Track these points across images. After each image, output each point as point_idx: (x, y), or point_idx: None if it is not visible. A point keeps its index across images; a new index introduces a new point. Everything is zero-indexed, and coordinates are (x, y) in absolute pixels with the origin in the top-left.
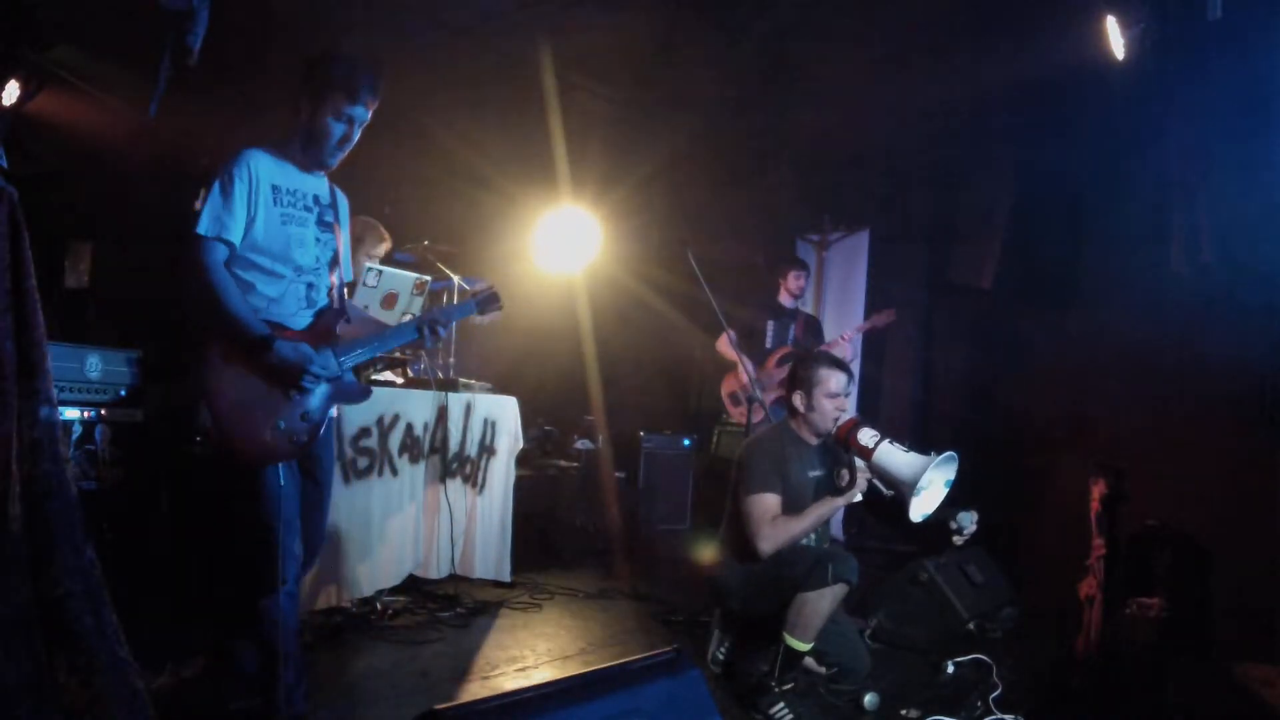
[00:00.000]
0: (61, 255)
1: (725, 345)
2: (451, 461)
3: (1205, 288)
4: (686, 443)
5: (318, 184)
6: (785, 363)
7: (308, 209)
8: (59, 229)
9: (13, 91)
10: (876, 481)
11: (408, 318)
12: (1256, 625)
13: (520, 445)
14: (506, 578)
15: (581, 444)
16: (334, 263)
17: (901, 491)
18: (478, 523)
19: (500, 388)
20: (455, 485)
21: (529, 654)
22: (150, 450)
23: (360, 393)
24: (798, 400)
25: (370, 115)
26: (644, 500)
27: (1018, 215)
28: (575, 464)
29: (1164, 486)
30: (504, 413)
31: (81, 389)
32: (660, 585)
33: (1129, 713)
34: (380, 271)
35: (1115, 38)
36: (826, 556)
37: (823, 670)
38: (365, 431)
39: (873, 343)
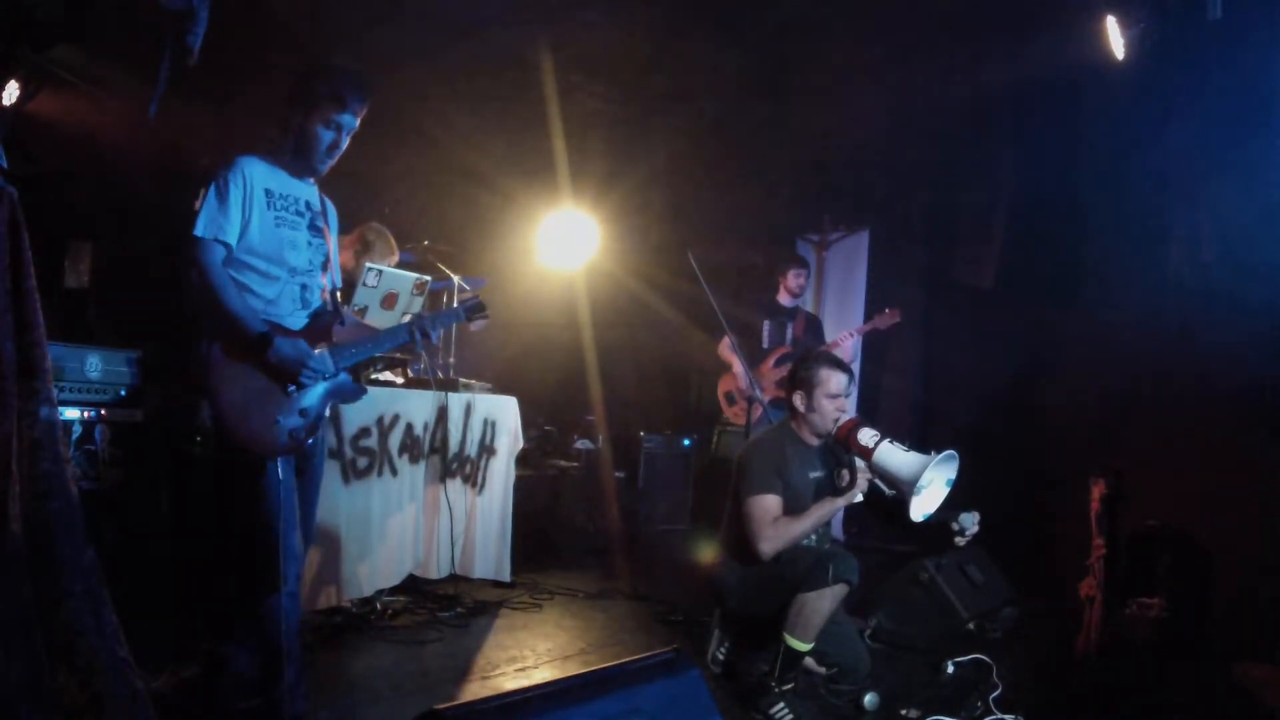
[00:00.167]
0: (61, 255)
1: (726, 348)
2: (451, 461)
3: (1205, 288)
4: (686, 443)
5: (308, 191)
6: (783, 363)
7: (299, 214)
8: (59, 229)
9: (13, 91)
10: (878, 481)
11: (408, 318)
12: (1256, 625)
13: (520, 445)
14: (506, 578)
15: (581, 444)
16: (325, 266)
17: (902, 491)
18: (478, 523)
19: (500, 388)
20: (455, 485)
21: (529, 654)
22: (150, 450)
23: (355, 391)
24: (798, 401)
25: (358, 123)
26: (644, 500)
27: (1018, 215)
28: (575, 464)
29: (1164, 486)
30: (504, 413)
31: (81, 389)
32: (660, 585)
33: (1129, 713)
34: (380, 272)
35: (1115, 38)
36: (827, 556)
37: (823, 670)
38: (365, 431)
39: (873, 343)
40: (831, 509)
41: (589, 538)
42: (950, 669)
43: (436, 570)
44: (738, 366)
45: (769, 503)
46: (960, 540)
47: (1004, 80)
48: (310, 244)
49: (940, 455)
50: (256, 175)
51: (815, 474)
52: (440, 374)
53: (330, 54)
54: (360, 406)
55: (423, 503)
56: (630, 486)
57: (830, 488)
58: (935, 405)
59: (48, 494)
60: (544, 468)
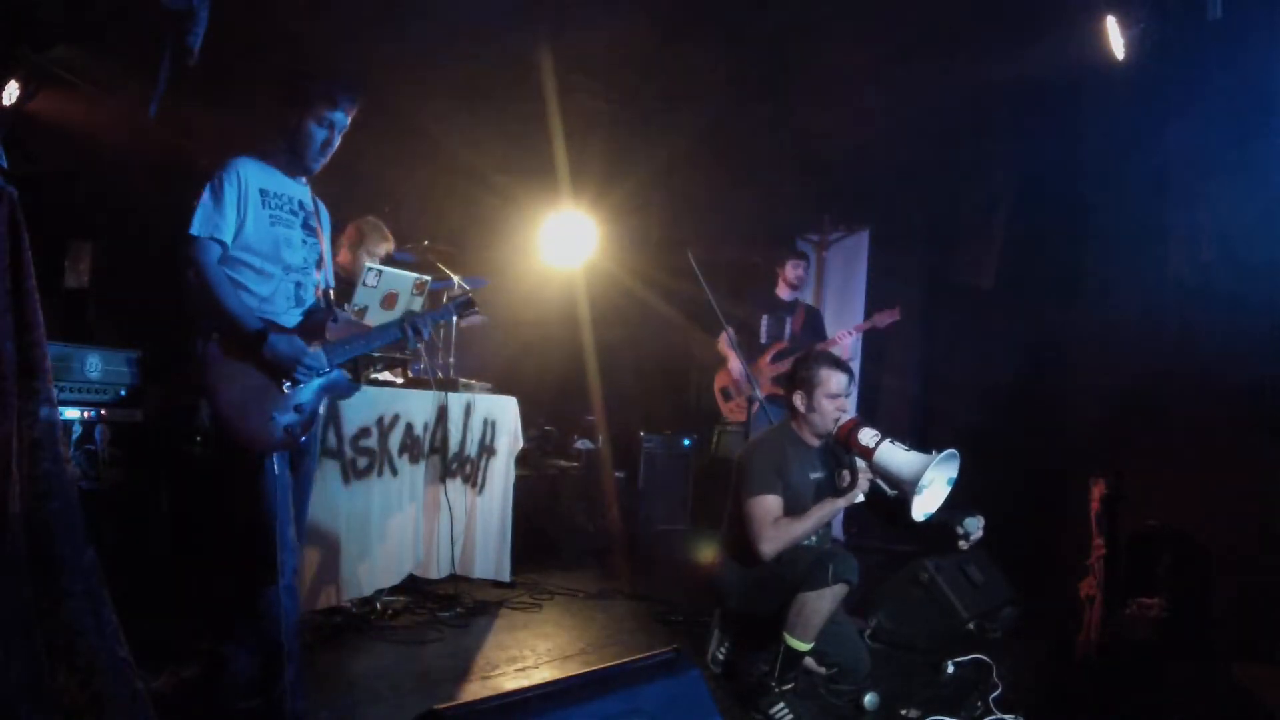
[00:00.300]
0: (61, 255)
1: (724, 343)
2: (451, 461)
3: (1205, 288)
4: (686, 443)
5: (302, 191)
6: (780, 359)
7: (294, 213)
8: (59, 229)
9: (13, 91)
10: (879, 481)
11: None
12: (1256, 625)
13: (520, 445)
14: (506, 578)
15: (581, 444)
16: (319, 264)
17: (904, 490)
18: (477, 523)
19: (500, 388)
20: (455, 485)
21: (529, 654)
22: (150, 450)
23: (349, 387)
24: (798, 400)
25: (349, 121)
26: (644, 500)
27: (1018, 215)
28: (575, 464)
29: (1164, 486)
30: (504, 413)
31: (81, 389)
32: (660, 585)
33: (1129, 713)
34: (380, 271)
35: (1115, 38)
36: (827, 556)
37: (823, 670)
38: (365, 431)
39: (872, 342)
40: (832, 510)
41: (589, 538)
42: (950, 669)
43: (436, 570)
44: (733, 362)
45: (770, 503)
46: (964, 544)
47: (1004, 80)
48: (304, 242)
49: (941, 454)
50: (251, 176)
51: (816, 474)
52: (440, 374)
53: (330, 54)
54: (360, 406)
55: (423, 503)
56: (630, 486)
57: (831, 488)
58: (935, 405)
59: (48, 494)
60: (544, 468)
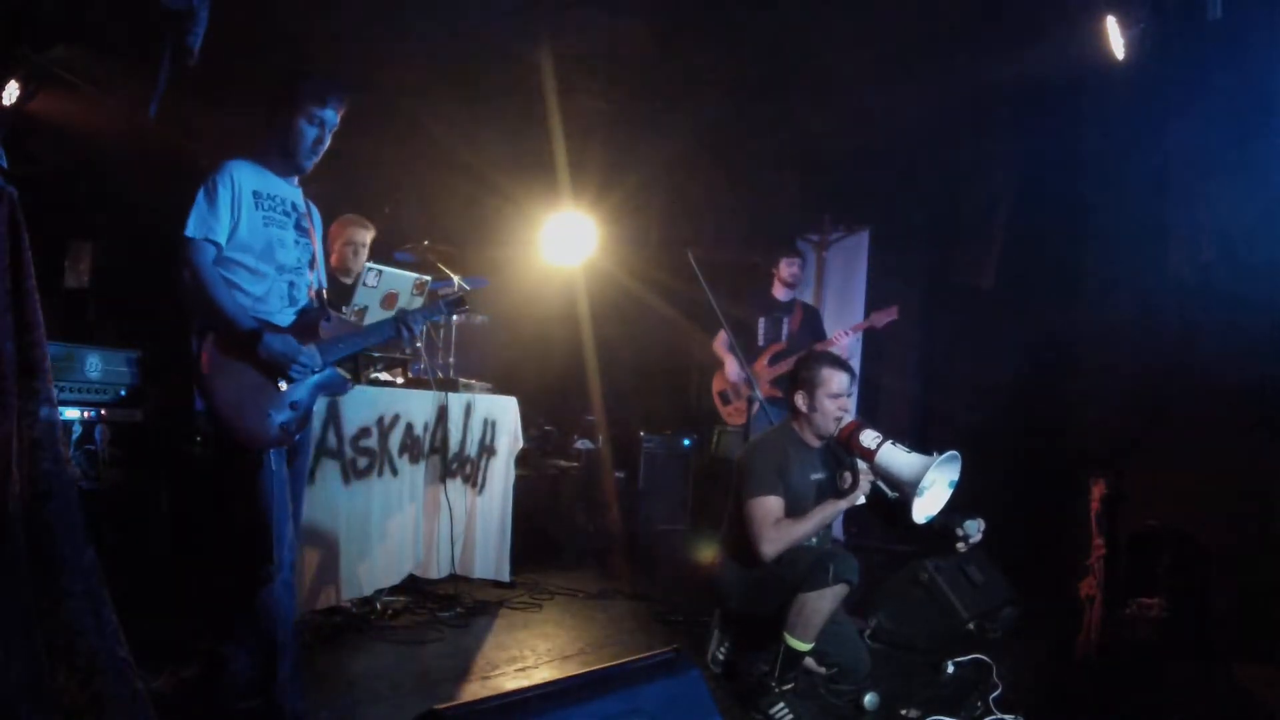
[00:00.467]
0: (61, 255)
1: (720, 345)
2: (451, 461)
3: (1205, 287)
4: (686, 443)
5: (294, 192)
6: (778, 360)
7: (286, 214)
8: (59, 229)
9: (13, 91)
10: (880, 483)
11: None
12: (1256, 625)
13: (520, 445)
14: (506, 578)
15: (581, 444)
16: (311, 264)
17: (905, 492)
18: (478, 523)
19: (500, 388)
20: (455, 485)
21: (529, 654)
22: (150, 450)
23: (343, 384)
24: (800, 401)
25: (339, 120)
26: (644, 500)
27: (1018, 215)
28: (575, 464)
29: (1164, 486)
30: (504, 413)
31: (81, 389)
32: (660, 585)
33: (1129, 713)
34: (380, 271)
35: (1115, 38)
36: (827, 556)
37: (823, 670)
38: (365, 431)
39: (873, 343)
40: (833, 511)
41: (589, 538)
42: (950, 669)
43: (436, 570)
44: (730, 364)
45: (770, 504)
46: (963, 546)
47: (1004, 80)
48: (297, 243)
49: (943, 456)
50: (244, 178)
51: (817, 476)
52: (440, 374)
53: (331, 54)
54: (360, 407)
55: (423, 503)
56: (630, 486)
57: (832, 490)
58: (935, 405)
59: (48, 494)
60: (544, 468)
